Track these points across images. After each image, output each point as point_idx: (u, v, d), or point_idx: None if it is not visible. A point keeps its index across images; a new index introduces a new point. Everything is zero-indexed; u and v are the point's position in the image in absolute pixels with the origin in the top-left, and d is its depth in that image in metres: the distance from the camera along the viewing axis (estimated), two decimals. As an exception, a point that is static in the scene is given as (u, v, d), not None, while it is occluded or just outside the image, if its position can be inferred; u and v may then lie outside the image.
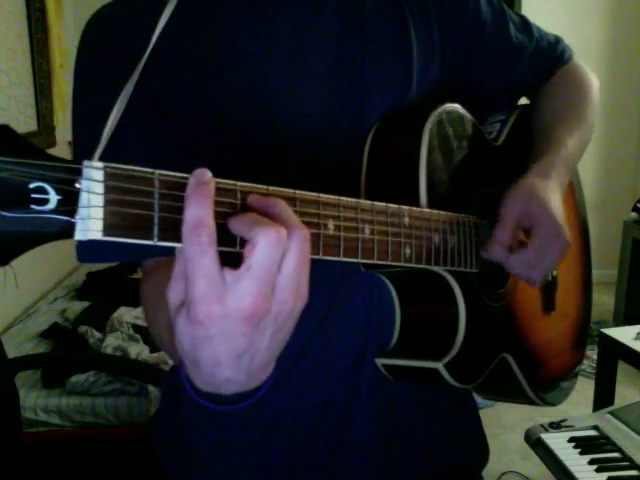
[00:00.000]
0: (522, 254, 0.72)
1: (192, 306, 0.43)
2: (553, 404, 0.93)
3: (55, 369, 2.12)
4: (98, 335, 2.39)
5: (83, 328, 2.45)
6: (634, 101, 4.39)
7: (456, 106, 0.74)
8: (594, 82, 0.92)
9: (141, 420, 2.00)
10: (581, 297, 1.02)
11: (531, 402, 0.87)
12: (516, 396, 0.87)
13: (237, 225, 0.44)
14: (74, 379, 2.04)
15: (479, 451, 0.92)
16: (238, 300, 0.43)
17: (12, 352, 2.20)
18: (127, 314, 2.58)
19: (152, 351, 2.23)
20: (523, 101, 0.93)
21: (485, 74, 0.86)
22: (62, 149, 3.29)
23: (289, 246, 0.44)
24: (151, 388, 2.01)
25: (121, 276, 3.15)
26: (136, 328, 2.46)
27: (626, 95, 4.23)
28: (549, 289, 0.91)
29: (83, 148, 0.66)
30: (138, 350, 2.24)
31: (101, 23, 0.70)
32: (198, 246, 0.42)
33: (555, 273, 0.93)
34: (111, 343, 2.29)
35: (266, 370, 0.51)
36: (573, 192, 1.00)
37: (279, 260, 0.44)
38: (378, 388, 0.76)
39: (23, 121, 2.95)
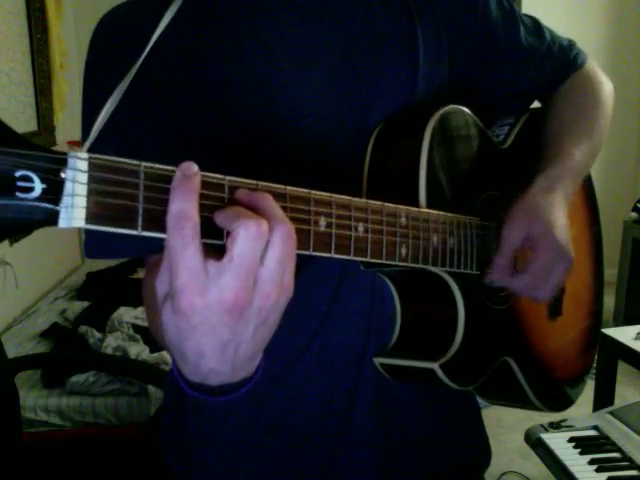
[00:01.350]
0: (525, 277, 0.72)
1: (175, 297, 0.44)
2: (558, 410, 0.92)
3: (55, 369, 2.12)
4: (98, 335, 2.39)
5: (83, 328, 2.45)
6: (634, 101, 4.40)
7: (460, 107, 0.74)
8: (607, 87, 0.90)
9: (141, 420, 2.00)
10: (591, 303, 1.00)
11: (535, 408, 0.86)
12: (519, 401, 0.86)
13: (221, 218, 0.45)
14: (74, 379, 2.04)
15: (481, 453, 0.91)
16: (220, 292, 0.44)
17: (12, 352, 2.20)
18: (127, 314, 2.58)
19: (152, 351, 2.23)
20: (535, 105, 0.92)
21: (495, 77, 0.85)
22: (62, 149, 3.29)
23: (272, 240, 0.45)
24: (151, 388, 2.01)
25: (121, 276, 3.15)
26: (136, 328, 2.46)
27: (626, 95, 4.22)
28: (556, 295, 0.91)
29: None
30: (138, 350, 2.24)
31: (110, 23, 0.71)
32: (181, 238, 0.42)
33: None
34: (111, 343, 2.29)
35: (252, 362, 0.52)
36: (586, 197, 0.98)
37: (261, 253, 0.44)
38: (379, 388, 0.76)
39: (23, 121, 2.95)
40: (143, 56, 0.53)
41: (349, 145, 0.71)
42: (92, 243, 0.69)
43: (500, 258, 0.72)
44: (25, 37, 3.04)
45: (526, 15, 0.88)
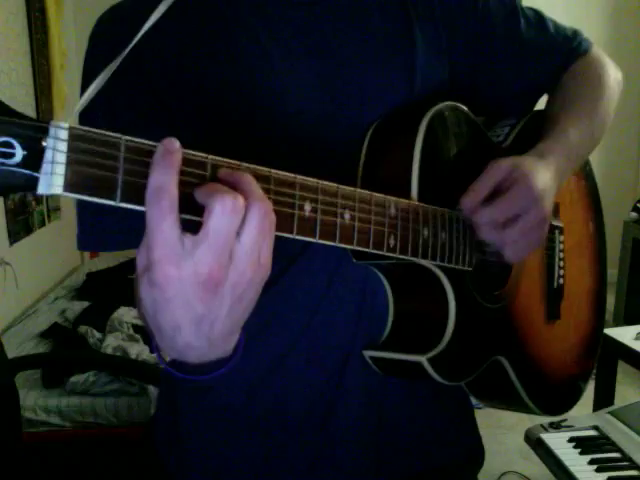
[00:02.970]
0: (490, 209, 0.68)
1: (151, 269, 0.45)
2: (554, 414, 0.91)
3: (55, 369, 2.12)
4: (98, 335, 2.39)
5: (83, 328, 2.45)
6: (634, 101, 4.40)
7: (456, 104, 0.73)
8: (613, 73, 0.89)
9: (141, 420, 2.00)
10: (592, 308, 0.98)
11: (529, 411, 0.85)
12: (513, 403, 0.85)
13: (199, 193, 0.46)
14: (74, 379, 2.04)
15: (474, 454, 0.91)
16: (194, 265, 0.45)
17: (12, 352, 2.20)
18: (127, 314, 2.58)
19: (152, 351, 2.22)
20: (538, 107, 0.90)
21: (496, 75, 0.84)
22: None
23: (248, 216, 0.45)
24: (151, 388, 2.01)
25: (121, 276, 3.15)
26: (136, 328, 2.46)
27: (626, 95, 4.21)
28: (554, 297, 0.90)
29: None
30: (138, 350, 2.24)
31: (109, 19, 0.72)
32: (159, 211, 0.43)
33: (562, 282, 0.91)
34: (111, 343, 2.29)
35: (229, 340, 0.52)
36: (588, 198, 0.97)
37: (236, 228, 0.45)
38: (367, 385, 0.76)
39: (23, 121, 2.95)
40: (135, 40, 0.54)
41: (342, 143, 0.72)
42: (85, 235, 0.70)
43: (475, 185, 0.69)
44: (25, 37, 3.04)
45: (528, 8, 0.87)
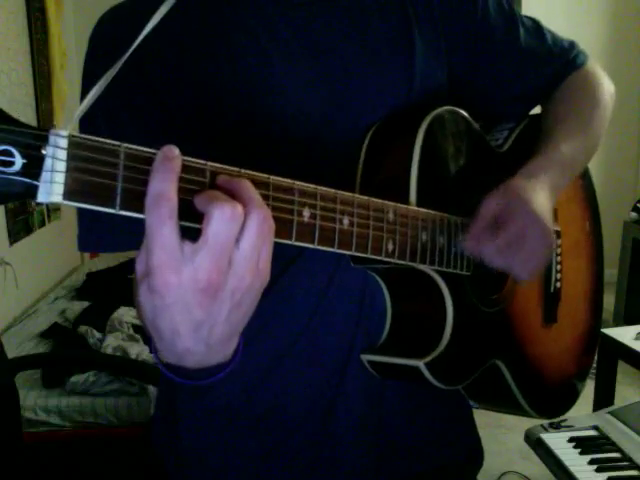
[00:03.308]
0: (496, 242, 0.69)
1: (150, 275, 0.45)
2: (550, 417, 0.91)
3: (55, 369, 2.12)
4: (98, 335, 2.39)
5: (83, 328, 2.45)
6: (634, 101, 4.40)
7: (455, 109, 0.74)
8: (607, 87, 0.90)
9: (141, 420, 2.00)
10: (589, 310, 0.98)
11: (526, 413, 0.85)
12: (510, 406, 0.85)
13: (198, 200, 0.46)
14: (74, 379, 2.04)
15: (474, 454, 0.91)
16: (194, 271, 0.45)
17: (12, 352, 2.20)
18: (127, 314, 2.58)
19: (152, 351, 2.22)
20: (536, 110, 0.91)
21: (494, 79, 0.84)
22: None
23: (247, 223, 0.46)
24: (151, 388, 2.01)
25: (121, 276, 3.15)
26: (136, 328, 2.46)
27: (626, 95, 4.23)
28: (551, 301, 0.90)
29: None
30: (138, 350, 2.24)
31: (109, 20, 0.72)
32: (158, 217, 0.43)
33: (559, 285, 0.91)
34: (111, 343, 2.29)
35: (227, 345, 0.53)
36: (586, 199, 0.98)
37: (235, 235, 0.45)
38: (366, 386, 0.77)
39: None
40: (136, 44, 0.54)
41: (341, 143, 0.72)
42: (85, 235, 0.71)
43: (476, 222, 0.70)
44: (25, 37, 3.04)
45: (527, 17, 0.88)
